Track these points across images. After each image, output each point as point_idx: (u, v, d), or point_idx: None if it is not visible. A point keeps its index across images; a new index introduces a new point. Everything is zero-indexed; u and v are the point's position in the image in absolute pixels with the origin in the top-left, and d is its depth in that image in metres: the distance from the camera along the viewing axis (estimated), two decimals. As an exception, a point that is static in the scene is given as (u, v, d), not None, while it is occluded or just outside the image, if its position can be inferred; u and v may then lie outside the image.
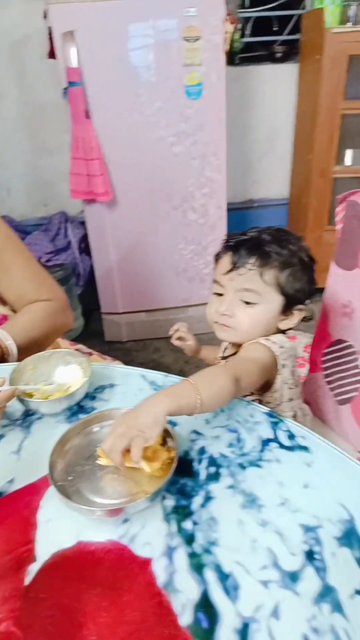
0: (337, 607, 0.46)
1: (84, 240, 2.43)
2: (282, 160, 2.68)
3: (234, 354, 0.91)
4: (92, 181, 1.87)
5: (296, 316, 0.85)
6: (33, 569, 0.51)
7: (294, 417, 0.91)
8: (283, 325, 0.85)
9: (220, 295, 0.87)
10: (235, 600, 0.47)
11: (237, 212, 2.66)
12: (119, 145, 1.88)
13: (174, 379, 0.78)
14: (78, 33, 1.66)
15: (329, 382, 1.13)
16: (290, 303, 0.83)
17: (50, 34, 1.70)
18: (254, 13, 2.48)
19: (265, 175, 2.73)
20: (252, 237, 0.86)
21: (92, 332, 2.45)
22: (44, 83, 2.31)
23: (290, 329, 0.87)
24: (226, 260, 0.85)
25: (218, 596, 0.48)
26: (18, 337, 0.88)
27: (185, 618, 0.46)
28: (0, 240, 0.96)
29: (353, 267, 1.03)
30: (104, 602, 0.48)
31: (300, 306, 0.85)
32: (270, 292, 0.82)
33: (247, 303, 0.82)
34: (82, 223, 2.54)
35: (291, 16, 2.48)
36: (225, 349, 0.97)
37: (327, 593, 0.47)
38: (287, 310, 0.84)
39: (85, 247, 2.41)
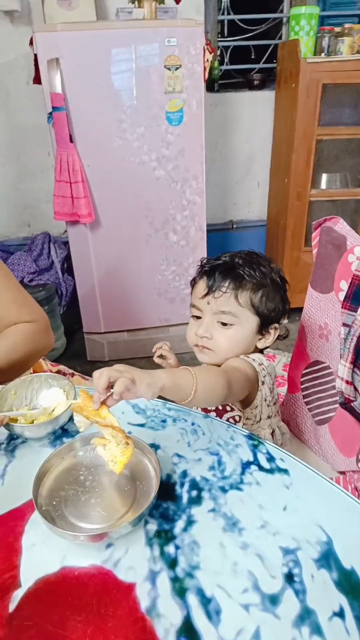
0: (317, 630, 0.48)
1: (67, 261, 2.44)
2: (260, 183, 2.76)
3: None
4: (76, 203, 1.89)
5: (272, 334, 0.89)
6: (17, 595, 0.51)
7: (272, 434, 0.93)
8: (260, 344, 0.88)
9: (199, 318, 0.90)
10: (217, 624, 0.48)
11: (217, 234, 2.72)
12: (102, 169, 1.92)
13: (155, 401, 0.80)
14: (63, 60, 1.70)
15: (307, 403, 1.16)
16: (265, 322, 0.87)
17: (35, 60, 1.74)
18: (232, 42, 2.58)
19: (245, 197, 2.80)
20: (226, 261, 0.90)
21: (74, 351, 2.44)
22: (28, 107, 2.35)
23: (267, 347, 0.91)
24: (202, 284, 0.89)
25: (200, 620, 0.49)
26: (0, 361, 0.88)
27: (168, 643, 0.47)
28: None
29: (329, 291, 1.06)
30: (89, 628, 0.48)
31: (275, 325, 0.89)
32: (246, 313, 0.85)
33: (224, 324, 0.85)
34: (66, 243, 2.55)
35: (268, 46, 2.59)
36: None
37: (306, 616, 0.49)
38: (263, 329, 0.88)
39: (68, 268, 2.43)
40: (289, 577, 0.52)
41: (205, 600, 0.50)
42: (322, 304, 1.10)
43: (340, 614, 0.49)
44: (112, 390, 0.56)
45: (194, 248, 2.21)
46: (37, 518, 0.58)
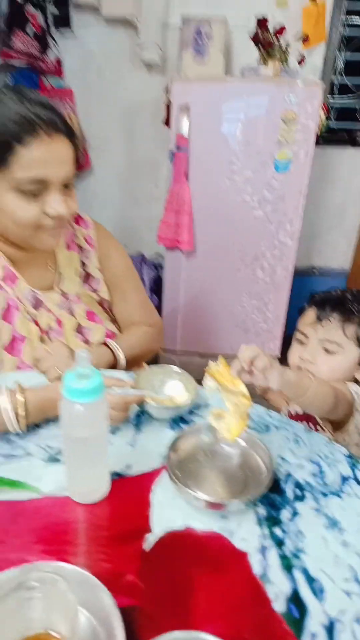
0: None
1: (156, 282, 2.61)
2: (348, 235, 2.83)
3: None
4: (179, 231, 2.07)
5: None
6: (150, 538, 0.61)
7: None
8: (359, 375, 0.96)
9: (303, 343, 1.00)
10: (322, 600, 0.55)
11: (299, 278, 2.80)
12: (208, 204, 2.09)
13: (259, 409, 0.89)
14: (192, 107, 1.91)
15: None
16: None
17: (168, 106, 1.96)
18: (341, 102, 2.72)
19: (331, 245, 2.88)
20: (337, 295, 0.99)
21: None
22: (147, 144, 2.60)
23: None
24: (311, 313, 0.98)
25: (306, 594, 0.56)
26: (124, 352, 1.02)
27: (278, 605, 0.55)
28: (123, 270, 1.13)
29: None
30: (210, 577, 0.57)
31: None
32: (350, 345, 0.93)
33: (328, 352, 0.94)
34: (155, 266, 2.74)
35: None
36: None
37: None
38: None
39: (156, 288, 2.60)
40: (386, 577, 0.59)
41: (310, 579, 0.58)
42: None
43: None
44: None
45: (278, 287, 2.31)
46: (163, 482, 0.69)
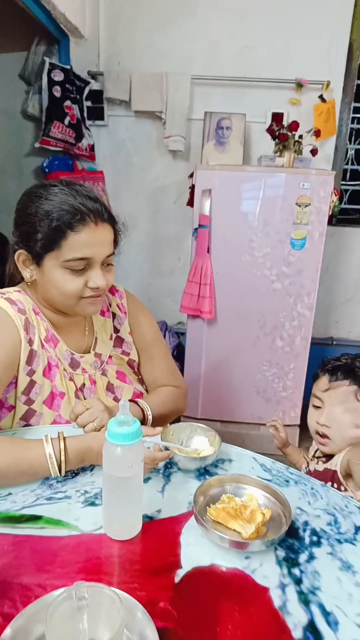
0: None
1: (177, 349, 2.74)
2: (364, 307, 2.96)
3: (326, 456, 1.08)
4: (201, 301, 2.22)
5: None
6: (180, 573, 0.68)
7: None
8: None
9: (319, 407, 1.08)
10: (336, 631, 0.61)
11: (318, 347, 2.89)
12: (228, 276, 2.26)
13: (279, 465, 0.96)
14: (214, 191, 2.14)
15: None
16: None
17: (192, 189, 2.20)
18: (353, 186, 2.97)
19: (348, 318, 3.00)
20: (347, 363, 1.09)
21: (169, 431, 2.63)
22: (170, 221, 2.86)
23: None
24: (324, 380, 1.07)
25: (322, 625, 0.61)
26: (152, 409, 1.12)
27: (296, 633, 0.60)
28: (153, 336, 1.26)
29: None
30: (235, 608, 0.63)
31: None
32: None
33: (344, 411, 1.02)
34: (177, 334, 2.89)
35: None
36: (316, 450, 1.15)
37: None
38: None
39: (177, 355, 2.72)
40: None
41: (326, 613, 0.63)
42: None
43: None
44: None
45: (297, 355, 2.40)
46: (191, 525, 0.76)
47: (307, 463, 1.20)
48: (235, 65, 2.61)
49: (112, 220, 1.06)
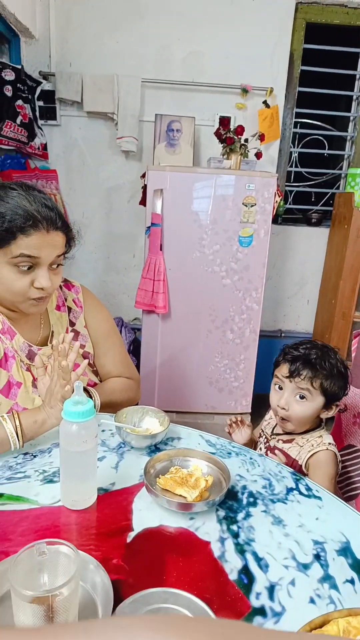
0: (334, 587, 0.69)
1: (133, 344, 2.81)
2: (309, 301, 3.14)
3: (286, 433, 1.19)
4: (155, 297, 2.31)
5: (333, 409, 1.15)
6: (131, 534, 0.76)
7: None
8: (324, 415, 1.15)
9: (280, 388, 1.18)
10: (266, 572, 0.71)
11: (267, 339, 3.04)
12: (181, 273, 2.35)
13: (222, 440, 1.06)
14: (165, 191, 2.23)
15: (339, 482, 1.36)
16: (330, 400, 1.14)
17: (144, 189, 2.27)
18: (297, 188, 3.14)
19: (294, 311, 3.17)
20: (305, 353, 1.18)
21: (126, 425, 2.70)
22: (124, 220, 2.92)
23: (329, 417, 1.17)
24: (285, 367, 1.17)
25: (254, 568, 0.71)
26: (102, 397, 1.19)
27: (232, 576, 0.70)
28: (107, 330, 1.32)
29: (363, 386, 1.33)
30: (179, 559, 0.72)
31: (337, 402, 1.15)
32: (317, 394, 1.13)
33: (300, 398, 1.13)
34: (133, 329, 2.96)
35: (327, 192, 3.13)
36: (274, 427, 1.25)
37: (327, 578, 0.71)
38: (327, 405, 1.14)
39: (133, 349, 2.79)
40: (317, 557, 0.75)
41: (258, 558, 0.73)
42: (356, 397, 1.36)
43: (352, 581, 0.70)
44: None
45: (247, 347, 2.53)
46: (142, 494, 0.85)
47: (267, 439, 1.28)
48: (184, 69, 2.71)
49: (65, 228, 1.09)
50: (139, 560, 0.71)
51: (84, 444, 0.79)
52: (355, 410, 1.35)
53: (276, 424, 1.26)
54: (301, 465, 1.14)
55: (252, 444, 1.33)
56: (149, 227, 2.27)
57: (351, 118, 3.01)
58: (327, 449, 1.10)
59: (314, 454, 1.12)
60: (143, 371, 2.55)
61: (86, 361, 1.08)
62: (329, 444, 1.12)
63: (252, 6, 2.63)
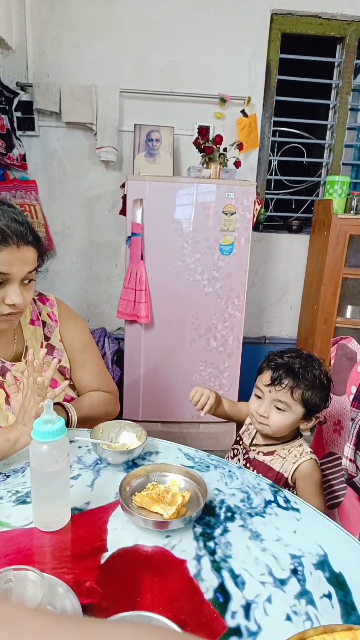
0: (311, 602, 0.68)
1: (117, 354, 2.79)
2: (292, 307, 3.15)
3: (266, 444, 1.19)
4: (137, 306, 2.29)
5: (313, 421, 1.15)
6: (105, 555, 0.74)
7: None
8: (303, 426, 1.15)
9: (260, 398, 1.18)
10: (242, 590, 0.70)
11: (251, 346, 3.05)
12: (162, 282, 2.34)
13: (201, 453, 1.05)
14: (145, 200, 2.22)
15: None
16: (309, 412, 1.14)
17: (124, 198, 2.27)
18: (277, 195, 3.16)
19: (278, 317, 3.18)
20: (289, 362, 1.17)
21: (111, 436, 2.67)
22: (105, 229, 2.91)
23: (307, 428, 1.17)
24: (267, 375, 1.16)
25: (230, 586, 0.70)
26: (79, 412, 1.17)
27: (208, 595, 0.68)
28: (83, 343, 1.31)
29: (342, 394, 1.33)
30: (154, 579, 0.70)
31: (317, 415, 1.15)
32: (297, 405, 1.12)
33: (279, 409, 1.13)
34: (117, 339, 2.94)
35: (306, 199, 3.16)
36: (254, 437, 1.24)
37: (304, 593, 0.70)
38: (307, 417, 1.14)
39: (117, 360, 2.77)
40: (294, 571, 0.74)
41: (235, 575, 0.72)
42: (336, 404, 1.36)
43: (329, 596, 0.69)
44: None
45: (230, 355, 2.53)
46: (117, 513, 0.83)
47: (246, 450, 1.28)
48: (163, 79, 2.72)
49: (37, 243, 1.07)
50: (112, 582, 0.70)
51: (55, 464, 0.77)
52: (335, 418, 1.35)
53: (256, 433, 1.25)
54: (287, 478, 1.13)
55: (227, 418, 1.33)
56: (129, 237, 2.26)
57: (329, 126, 3.05)
58: (311, 458, 1.10)
59: (299, 465, 1.12)
60: (127, 382, 2.54)
61: (66, 382, 1.06)
62: (311, 452, 1.12)
63: (228, 17, 2.66)
